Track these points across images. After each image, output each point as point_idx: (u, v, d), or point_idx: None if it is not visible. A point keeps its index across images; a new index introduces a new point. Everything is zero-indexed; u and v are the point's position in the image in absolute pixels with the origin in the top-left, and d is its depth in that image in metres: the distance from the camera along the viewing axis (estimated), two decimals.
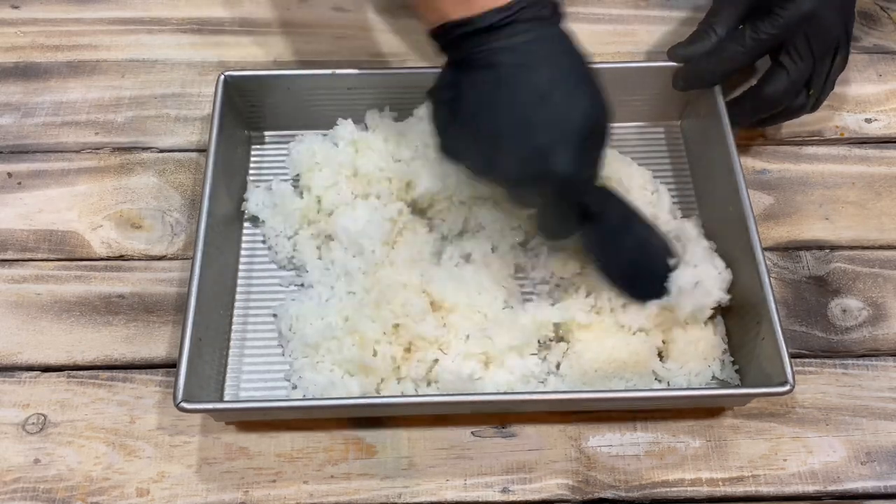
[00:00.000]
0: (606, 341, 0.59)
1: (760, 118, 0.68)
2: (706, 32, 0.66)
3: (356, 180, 0.66)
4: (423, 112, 0.66)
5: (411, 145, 0.65)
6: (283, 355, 0.62)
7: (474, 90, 0.53)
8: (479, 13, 0.51)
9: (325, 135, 0.69)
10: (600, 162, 0.55)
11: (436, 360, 0.59)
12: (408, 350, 0.60)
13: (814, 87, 0.66)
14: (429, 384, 0.59)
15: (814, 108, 0.68)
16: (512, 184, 0.54)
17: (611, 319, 0.60)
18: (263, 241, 0.67)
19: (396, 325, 0.59)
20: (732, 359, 0.61)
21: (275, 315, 0.63)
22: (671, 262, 0.59)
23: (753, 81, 0.67)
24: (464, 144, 0.55)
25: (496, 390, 0.58)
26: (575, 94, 0.52)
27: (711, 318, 0.62)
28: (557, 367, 0.60)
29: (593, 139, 0.53)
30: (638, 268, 0.59)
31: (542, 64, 0.51)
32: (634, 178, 0.66)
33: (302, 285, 0.64)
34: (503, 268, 0.62)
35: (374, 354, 0.59)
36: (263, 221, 0.67)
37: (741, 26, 0.65)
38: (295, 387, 0.60)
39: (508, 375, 0.58)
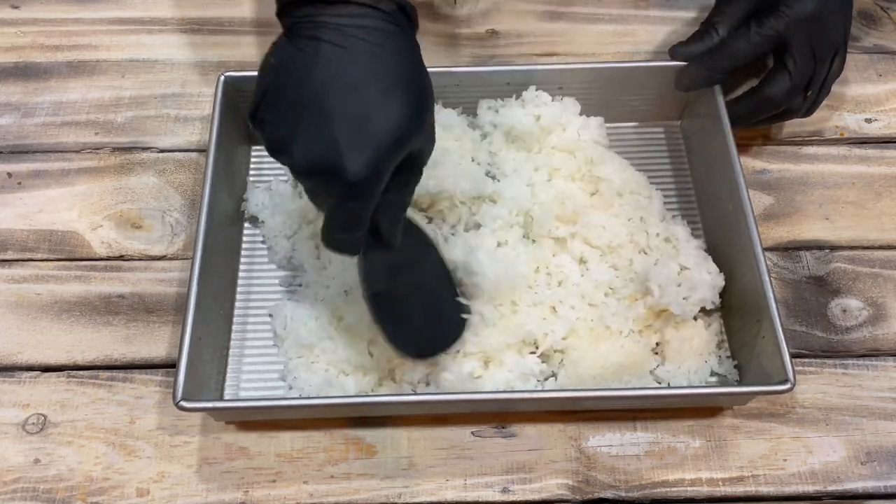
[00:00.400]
0: (600, 347, 0.59)
1: (759, 119, 0.68)
2: (708, 32, 0.66)
3: None
4: None
5: None
6: (279, 355, 0.62)
7: (289, 60, 0.48)
8: None
9: None
10: (408, 185, 0.51)
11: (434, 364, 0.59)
12: None
13: (812, 90, 0.66)
14: (428, 384, 0.59)
15: (809, 112, 0.68)
16: (298, 170, 0.48)
17: (598, 323, 0.60)
18: (263, 242, 0.67)
19: None
20: (730, 355, 0.62)
21: (271, 315, 0.63)
22: (456, 329, 0.57)
23: (754, 82, 0.67)
24: (268, 114, 0.49)
25: (496, 389, 0.58)
26: (393, 98, 0.46)
27: (707, 315, 0.62)
28: (555, 377, 0.60)
29: (402, 154, 0.48)
30: (408, 318, 0.56)
31: (366, 55, 0.46)
32: (629, 183, 0.65)
33: (300, 285, 0.64)
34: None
35: (371, 356, 0.59)
36: (263, 222, 0.67)
37: (747, 27, 0.64)
38: (291, 387, 0.60)
39: (508, 374, 0.58)
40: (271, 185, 0.68)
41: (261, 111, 0.49)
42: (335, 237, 0.50)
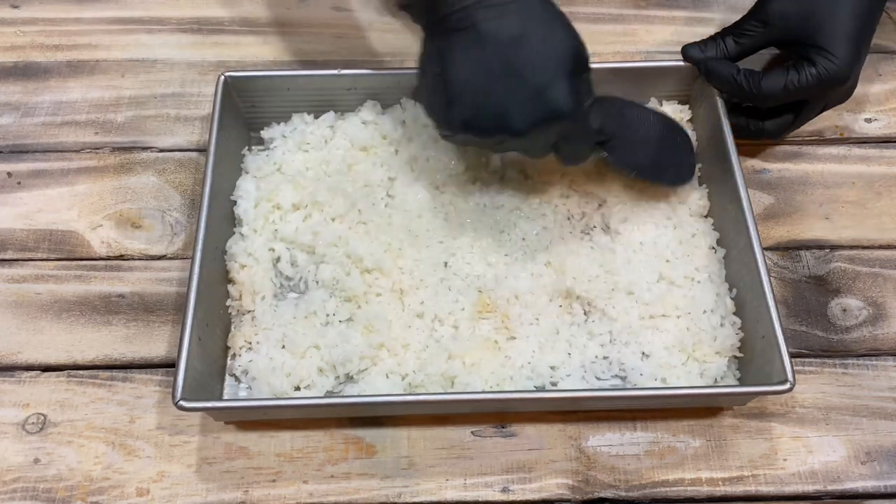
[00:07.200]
0: None
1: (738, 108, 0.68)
2: (725, 42, 0.66)
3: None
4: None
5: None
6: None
7: (459, 53, 0.54)
8: None
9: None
10: (590, 84, 0.57)
11: None
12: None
13: (798, 124, 0.68)
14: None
15: (779, 135, 0.69)
16: (524, 135, 0.55)
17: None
18: None
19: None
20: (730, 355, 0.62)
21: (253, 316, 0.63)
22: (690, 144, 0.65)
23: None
24: (467, 112, 0.55)
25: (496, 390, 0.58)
26: (551, 30, 0.54)
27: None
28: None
29: (579, 66, 0.55)
30: (664, 160, 0.64)
31: (515, 12, 0.53)
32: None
33: (298, 286, 0.64)
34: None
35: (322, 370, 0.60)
36: None
37: (784, 72, 0.63)
38: (249, 387, 0.60)
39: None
40: None
41: (455, 113, 0.55)
42: (571, 158, 0.60)
